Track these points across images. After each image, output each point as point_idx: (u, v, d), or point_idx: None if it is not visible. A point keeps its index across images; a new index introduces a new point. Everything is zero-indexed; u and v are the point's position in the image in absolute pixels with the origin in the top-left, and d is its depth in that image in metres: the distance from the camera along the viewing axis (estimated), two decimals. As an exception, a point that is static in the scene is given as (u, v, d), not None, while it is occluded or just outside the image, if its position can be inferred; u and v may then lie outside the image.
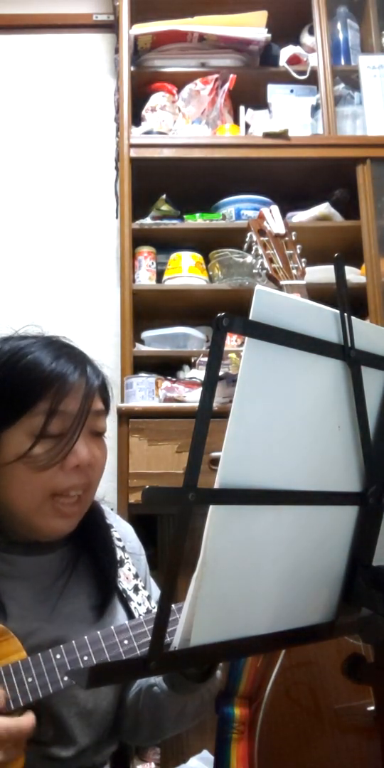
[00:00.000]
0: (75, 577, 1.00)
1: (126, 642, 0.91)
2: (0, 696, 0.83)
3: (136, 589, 1.05)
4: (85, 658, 0.89)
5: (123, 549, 1.08)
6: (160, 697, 0.98)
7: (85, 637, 0.90)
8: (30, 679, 0.85)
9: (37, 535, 0.97)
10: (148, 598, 1.05)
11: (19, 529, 0.97)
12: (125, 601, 1.03)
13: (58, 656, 0.88)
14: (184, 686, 0.94)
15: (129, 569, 1.06)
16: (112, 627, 0.92)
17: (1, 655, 0.87)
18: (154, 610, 1.03)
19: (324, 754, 1.08)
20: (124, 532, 1.13)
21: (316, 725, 1.09)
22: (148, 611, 1.03)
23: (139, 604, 1.03)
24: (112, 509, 1.16)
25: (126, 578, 1.05)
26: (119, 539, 1.09)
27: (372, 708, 1.08)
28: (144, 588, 1.06)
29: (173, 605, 0.82)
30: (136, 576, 1.07)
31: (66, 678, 0.86)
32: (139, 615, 1.02)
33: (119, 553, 1.06)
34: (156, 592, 1.11)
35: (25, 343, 0.97)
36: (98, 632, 0.91)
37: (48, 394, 0.92)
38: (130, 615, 1.02)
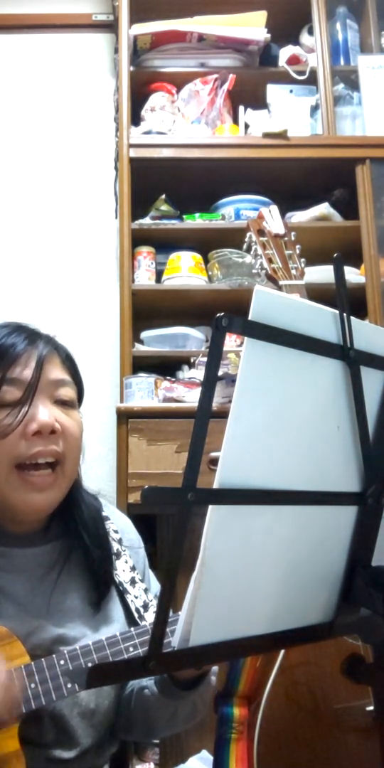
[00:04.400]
0: (67, 570, 1.00)
1: (131, 649, 0.91)
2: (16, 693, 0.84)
3: (133, 581, 1.05)
4: (90, 665, 0.88)
5: (120, 542, 1.08)
6: (150, 700, 0.98)
7: (90, 642, 0.90)
8: (33, 686, 0.85)
9: (16, 515, 0.97)
10: (146, 591, 1.05)
11: (2, 514, 0.97)
12: (122, 594, 1.03)
13: (61, 662, 0.87)
14: (173, 692, 0.94)
15: (126, 562, 1.06)
16: (117, 633, 0.92)
17: (4, 659, 0.86)
18: (152, 604, 1.04)
19: (323, 754, 1.08)
20: (122, 525, 1.13)
21: (315, 725, 1.08)
22: (145, 604, 1.03)
23: (136, 597, 1.03)
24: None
25: (122, 571, 1.05)
26: (116, 531, 1.09)
27: (371, 708, 1.08)
28: (141, 581, 1.06)
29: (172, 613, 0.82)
30: (133, 568, 1.07)
31: (69, 685, 0.86)
32: (136, 608, 1.02)
33: (116, 546, 1.07)
34: (155, 585, 1.11)
35: None
36: (103, 638, 0.91)
37: None
38: (127, 608, 1.02)
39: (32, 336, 0.98)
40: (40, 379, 0.95)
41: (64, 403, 0.98)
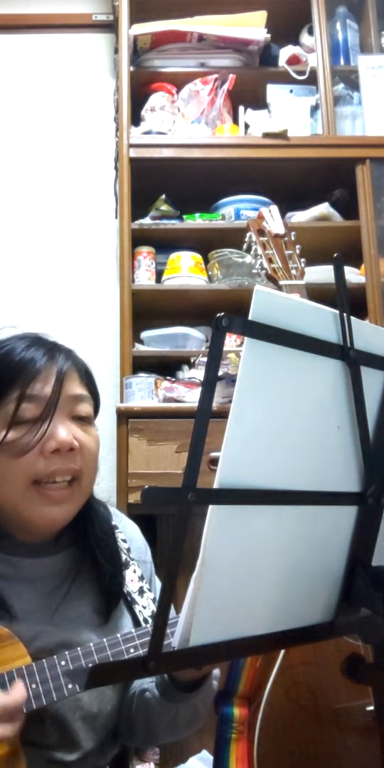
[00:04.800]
0: (78, 581, 0.99)
1: (132, 650, 0.90)
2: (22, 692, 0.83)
3: (141, 591, 1.04)
4: (90, 666, 0.88)
5: (128, 551, 1.08)
6: (151, 703, 0.98)
7: (91, 644, 0.90)
8: (34, 686, 0.85)
9: (32, 528, 0.96)
10: (154, 600, 1.05)
11: (17, 526, 0.97)
12: (130, 605, 1.03)
13: (62, 663, 0.87)
14: (174, 695, 0.94)
15: (134, 571, 1.06)
16: (119, 635, 0.91)
17: (5, 660, 0.86)
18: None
19: (323, 754, 1.08)
20: (130, 534, 1.12)
21: (316, 725, 1.08)
22: (154, 614, 1.02)
23: (144, 608, 1.03)
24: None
25: (131, 581, 1.04)
26: (124, 541, 1.08)
27: (371, 708, 1.08)
28: (149, 590, 1.06)
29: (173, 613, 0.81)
30: (141, 578, 1.06)
31: (69, 686, 0.85)
32: (144, 618, 1.01)
33: (124, 556, 1.06)
34: None
35: (1, 339, 0.98)
36: (104, 640, 0.90)
37: (18, 380, 0.92)
38: (135, 618, 1.01)
39: (52, 350, 0.96)
40: (60, 396, 0.93)
41: (81, 419, 0.97)
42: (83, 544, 1.02)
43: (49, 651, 0.90)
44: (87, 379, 1.01)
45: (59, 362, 0.95)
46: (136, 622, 1.01)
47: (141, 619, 1.01)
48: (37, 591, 0.96)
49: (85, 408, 0.98)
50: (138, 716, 1.00)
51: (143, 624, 1.00)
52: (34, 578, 0.97)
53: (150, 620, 1.01)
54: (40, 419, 0.92)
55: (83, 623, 0.96)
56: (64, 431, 0.92)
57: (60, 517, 0.95)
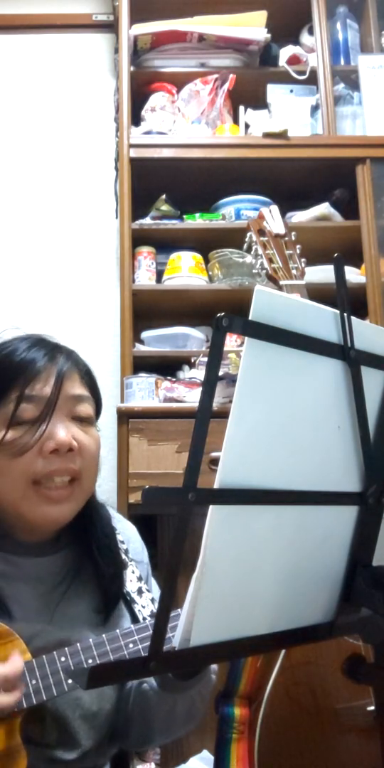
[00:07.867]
0: (77, 581, 1.00)
1: (131, 645, 0.91)
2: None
3: (140, 591, 1.04)
4: (90, 661, 0.88)
5: (126, 552, 1.08)
6: (149, 695, 0.98)
7: (90, 639, 0.90)
8: (34, 682, 0.85)
9: (32, 527, 0.96)
10: (152, 600, 1.05)
11: (17, 526, 0.97)
12: (129, 604, 1.03)
13: (62, 659, 0.87)
14: (173, 685, 0.94)
15: (133, 572, 1.06)
16: (118, 630, 0.92)
17: (5, 657, 0.86)
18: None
19: (324, 754, 1.08)
20: (127, 535, 1.12)
21: (316, 725, 1.08)
22: (153, 614, 1.03)
23: (144, 607, 1.03)
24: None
25: (130, 581, 1.05)
26: (122, 542, 1.09)
27: (372, 708, 1.08)
28: (148, 590, 1.06)
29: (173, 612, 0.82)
30: (139, 579, 1.06)
31: (69, 681, 0.86)
32: (144, 618, 1.01)
33: (123, 556, 1.06)
34: (157, 593, 1.11)
35: (5, 340, 0.99)
36: (103, 635, 0.91)
37: (18, 381, 0.93)
38: (135, 618, 1.02)
39: (52, 351, 0.97)
40: (59, 396, 0.94)
41: (81, 420, 0.97)
42: (83, 545, 1.02)
43: (48, 650, 0.90)
44: (88, 379, 1.01)
45: (59, 363, 0.96)
46: (136, 622, 1.01)
47: (141, 618, 1.01)
48: (37, 590, 0.97)
49: (86, 408, 0.98)
50: (135, 710, 1.01)
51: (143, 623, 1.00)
52: (33, 577, 0.97)
53: (150, 619, 1.01)
54: (39, 419, 0.92)
55: (82, 622, 0.97)
56: (63, 431, 0.93)
57: (59, 516, 0.95)
